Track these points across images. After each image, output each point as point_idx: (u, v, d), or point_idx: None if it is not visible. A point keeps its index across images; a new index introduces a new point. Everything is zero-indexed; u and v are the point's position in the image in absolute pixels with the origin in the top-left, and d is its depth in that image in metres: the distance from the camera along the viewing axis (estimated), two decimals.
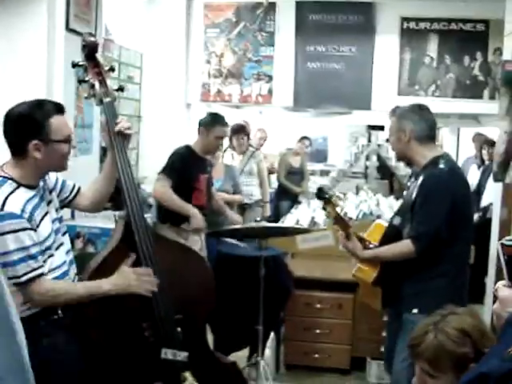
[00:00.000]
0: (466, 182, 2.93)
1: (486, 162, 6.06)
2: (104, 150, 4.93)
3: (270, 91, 6.33)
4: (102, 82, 2.33)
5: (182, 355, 2.28)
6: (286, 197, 7.05)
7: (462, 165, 7.08)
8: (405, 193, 3.08)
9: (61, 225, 2.27)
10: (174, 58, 6.16)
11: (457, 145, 8.51)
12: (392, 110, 2.99)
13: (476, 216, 5.71)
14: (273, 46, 6.28)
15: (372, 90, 6.19)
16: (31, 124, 2.07)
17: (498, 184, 4.23)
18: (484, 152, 6.15)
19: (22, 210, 2.03)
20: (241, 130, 5.93)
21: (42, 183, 2.22)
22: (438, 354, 1.68)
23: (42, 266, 2.07)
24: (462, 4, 5.96)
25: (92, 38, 2.35)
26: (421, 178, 2.75)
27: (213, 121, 4.01)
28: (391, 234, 2.84)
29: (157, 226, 3.85)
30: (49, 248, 2.13)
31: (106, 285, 2.14)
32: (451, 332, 1.68)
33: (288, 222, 4.93)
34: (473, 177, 6.40)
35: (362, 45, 6.22)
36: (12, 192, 2.06)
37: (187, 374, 2.33)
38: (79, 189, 2.42)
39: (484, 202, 5.74)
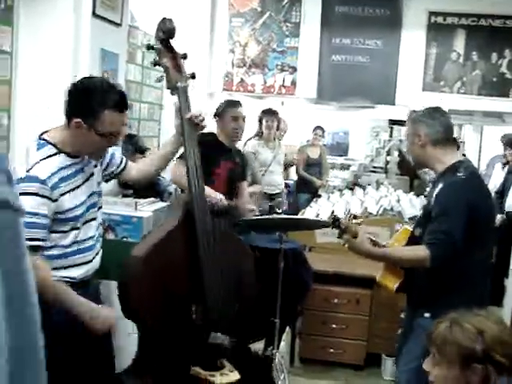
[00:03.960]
0: (485, 190, 2.76)
1: (510, 163, 5.95)
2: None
3: (294, 82, 6.30)
4: (177, 67, 2.35)
5: (229, 341, 2.31)
6: (305, 189, 7.02)
7: (488, 163, 6.97)
8: (425, 201, 2.97)
9: (99, 199, 2.28)
10: (197, 47, 6.14)
11: (480, 143, 8.41)
12: (408, 115, 2.90)
13: (499, 217, 5.62)
14: (298, 37, 6.25)
15: (397, 85, 6.13)
16: (85, 105, 2.05)
17: None
18: (507, 153, 6.03)
19: (48, 177, 2.01)
20: (273, 113, 5.63)
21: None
22: (446, 340, 1.69)
23: (44, 240, 2.01)
24: None
25: (171, 24, 2.34)
26: (439, 186, 2.62)
27: (225, 105, 4.00)
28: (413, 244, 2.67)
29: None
30: (72, 220, 2.11)
31: (75, 301, 2.00)
32: (466, 326, 1.68)
33: (308, 215, 4.91)
34: (497, 176, 6.30)
35: (388, 38, 6.16)
36: (47, 157, 2.05)
37: (225, 361, 2.36)
38: (127, 162, 2.44)
39: (508, 203, 5.63)
